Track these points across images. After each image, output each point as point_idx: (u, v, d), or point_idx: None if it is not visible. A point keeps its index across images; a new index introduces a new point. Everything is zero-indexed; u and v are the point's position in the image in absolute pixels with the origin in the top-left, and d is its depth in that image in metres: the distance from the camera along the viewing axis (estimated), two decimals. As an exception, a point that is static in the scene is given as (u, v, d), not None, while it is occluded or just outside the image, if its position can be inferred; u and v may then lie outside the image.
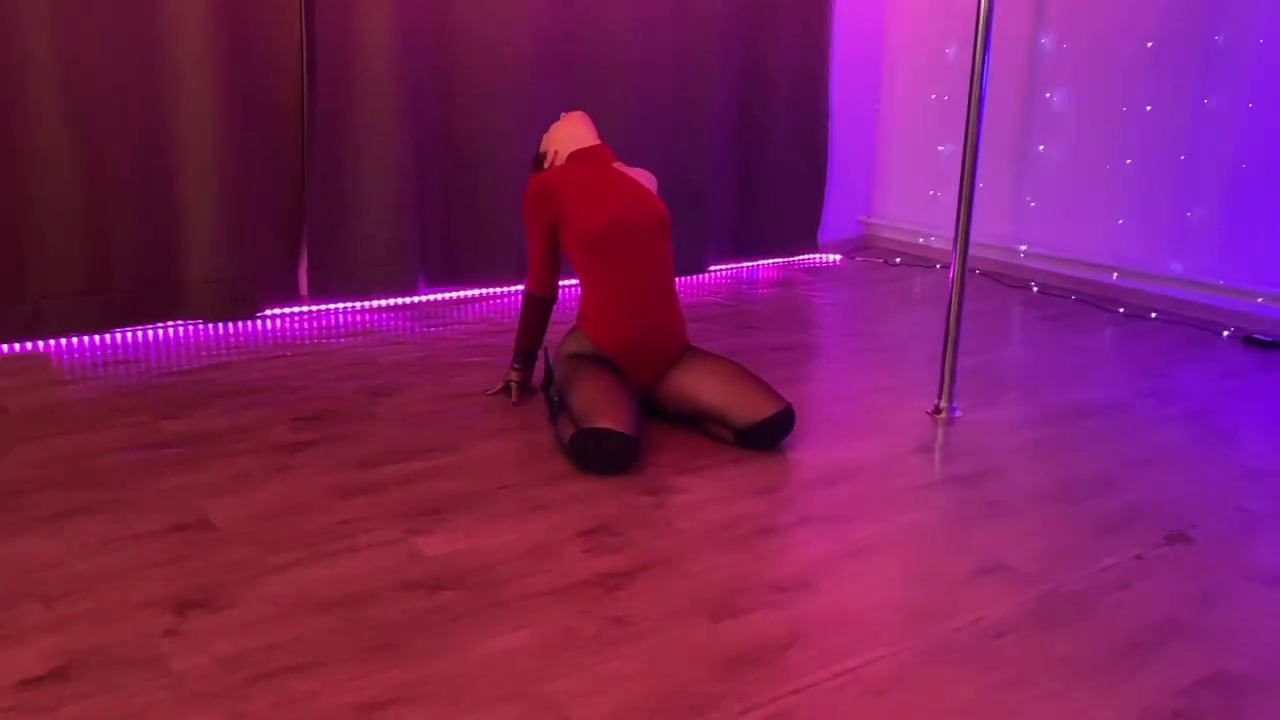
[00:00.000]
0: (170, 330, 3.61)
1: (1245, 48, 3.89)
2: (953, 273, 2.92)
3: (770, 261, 5.08)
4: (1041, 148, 4.65)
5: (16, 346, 3.35)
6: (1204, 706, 1.64)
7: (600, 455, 2.43)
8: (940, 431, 2.84)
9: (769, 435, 2.61)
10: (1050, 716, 1.62)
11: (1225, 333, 3.86)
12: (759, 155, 4.87)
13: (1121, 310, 4.19)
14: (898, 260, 5.14)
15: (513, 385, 2.93)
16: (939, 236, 5.13)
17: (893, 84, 5.31)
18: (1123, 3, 4.24)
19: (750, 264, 5.02)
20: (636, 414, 2.52)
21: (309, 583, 1.95)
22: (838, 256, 5.25)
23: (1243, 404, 3.14)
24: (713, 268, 4.85)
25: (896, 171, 5.39)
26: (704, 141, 4.60)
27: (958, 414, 2.94)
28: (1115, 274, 4.38)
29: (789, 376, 3.25)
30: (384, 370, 3.25)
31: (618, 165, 2.83)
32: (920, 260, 5.14)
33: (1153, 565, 2.10)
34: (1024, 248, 4.73)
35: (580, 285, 2.75)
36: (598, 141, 2.87)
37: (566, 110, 2.98)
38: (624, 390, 2.56)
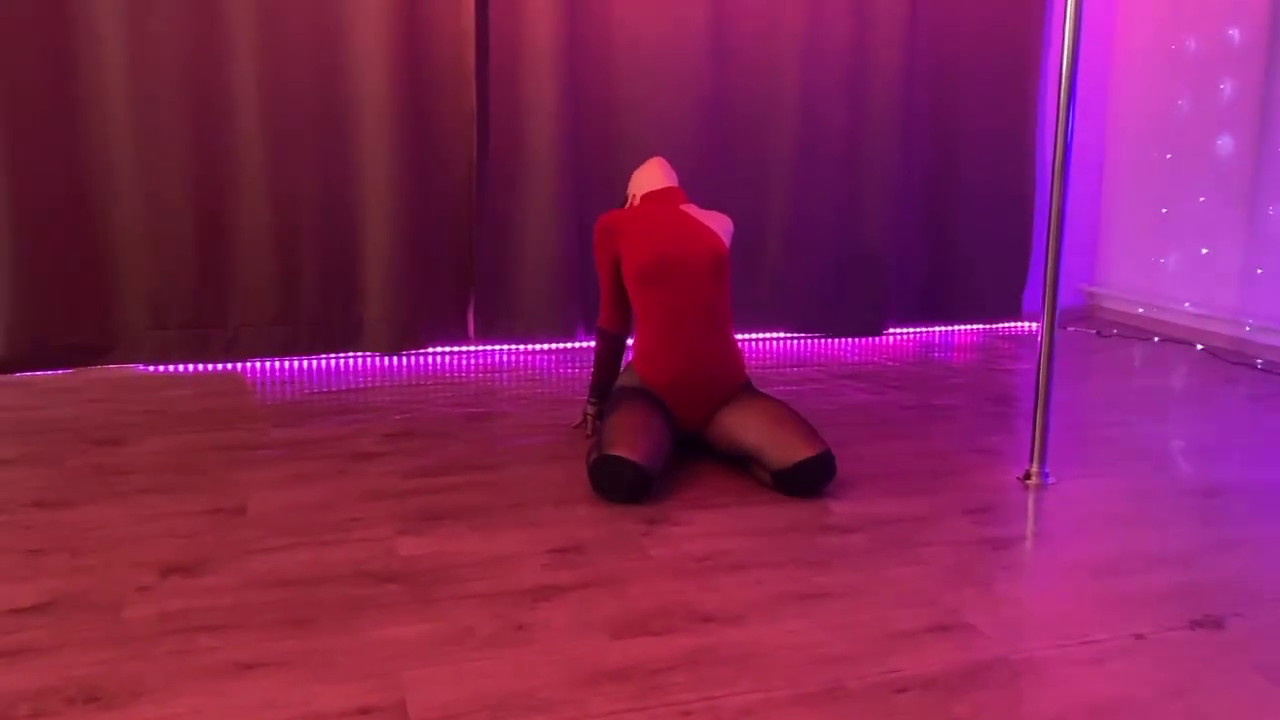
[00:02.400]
0: (344, 360, 4.03)
1: None
2: (1041, 329, 2.68)
3: (967, 328, 4.83)
4: (1271, 210, 4.11)
5: (217, 366, 3.89)
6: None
7: (612, 481, 2.46)
8: (1016, 496, 2.60)
9: (806, 480, 2.52)
10: (893, 774, 1.46)
11: None
12: (950, 217, 4.68)
13: (1356, 394, 3.60)
14: (1114, 332, 4.71)
15: (588, 419, 3.01)
16: (1161, 307, 4.65)
17: (1119, 142, 4.92)
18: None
19: (942, 329, 4.80)
20: (658, 447, 2.53)
21: (285, 564, 2.13)
22: (1047, 326, 4.88)
23: None
24: (893, 330, 4.69)
25: (1122, 237, 4.95)
26: (883, 201, 4.49)
27: (1050, 480, 2.68)
28: (1352, 352, 3.78)
29: (890, 433, 3.13)
30: (497, 401, 3.45)
31: (686, 206, 2.87)
32: (1137, 332, 4.68)
33: (1152, 645, 1.82)
34: (1250, 321, 4.18)
35: (636, 321, 2.81)
36: (669, 184, 2.93)
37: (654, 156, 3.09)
38: (653, 423, 2.58)
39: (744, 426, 2.64)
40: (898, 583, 2.08)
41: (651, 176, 2.94)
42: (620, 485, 2.45)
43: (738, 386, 2.77)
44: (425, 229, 4.01)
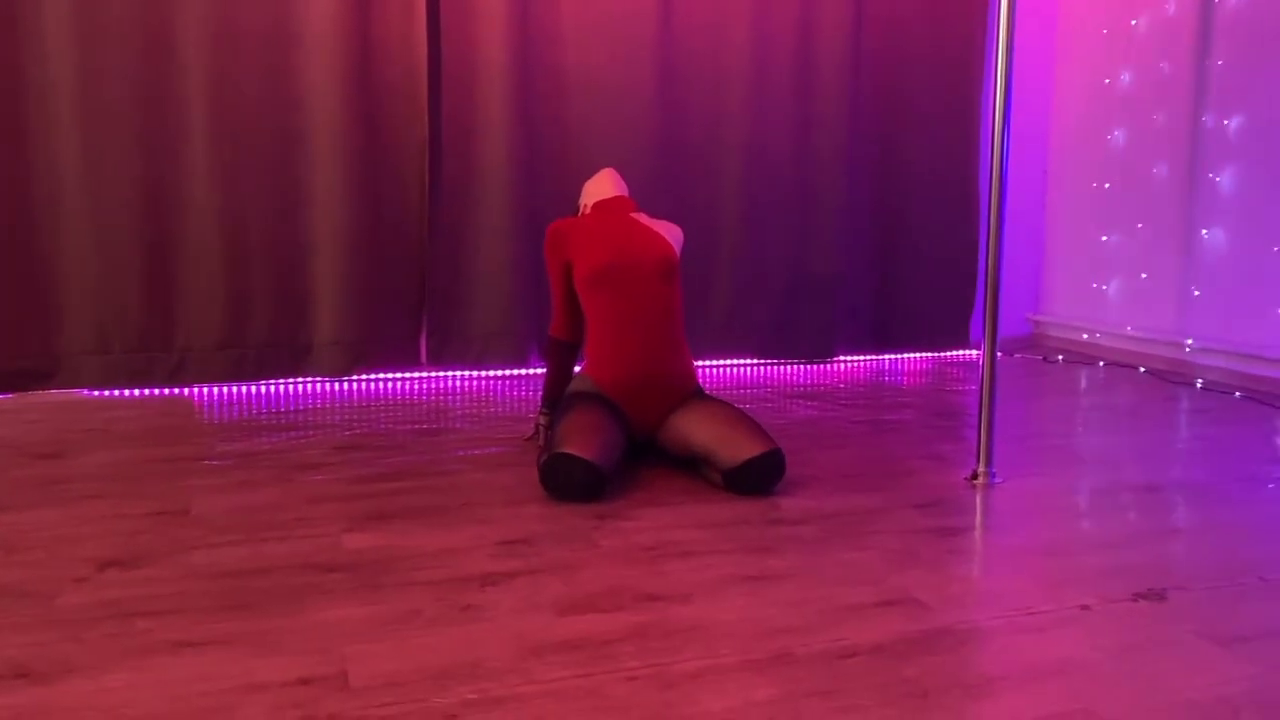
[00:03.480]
0: (293, 385, 3.99)
1: None
2: (983, 347, 2.72)
3: (918, 356, 4.89)
4: (1205, 232, 4.24)
5: (165, 391, 3.83)
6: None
7: (564, 480, 2.45)
8: (964, 493, 2.62)
9: (755, 478, 2.52)
10: (841, 727, 1.46)
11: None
12: (898, 248, 4.76)
13: (1292, 407, 3.68)
14: (1059, 358, 4.79)
15: (541, 429, 3.00)
16: (1104, 332, 4.75)
17: (1059, 176, 5.05)
18: (1284, 70, 3.88)
19: (892, 356, 4.86)
20: (610, 447, 2.52)
21: (226, 558, 2.09)
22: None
23: (1363, 491, 2.68)
24: (845, 357, 4.74)
25: (1064, 265, 5.07)
26: (831, 229, 4.56)
27: (998, 480, 2.71)
28: (1287, 367, 3.88)
29: (840, 443, 3.15)
30: (448, 419, 3.43)
31: (636, 215, 2.91)
32: (1082, 358, 4.77)
33: (1096, 615, 1.84)
34: (1189, 342, 4.28)
35: (588, 327, 2.82)
36: (619, 194, 2.97)
37: (605, 167, 3.12)
38: (605, 423, 2.58)
39: (695, 427, 2.65)
40: (846, 565, 2.08)
41: (602, 186, 2.98)
42: (572, 483, 2.44)
43: (689, 391, 2.78)
44: (376, 252, 4.01)
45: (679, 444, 2.69)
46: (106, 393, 3.77)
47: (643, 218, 2.91)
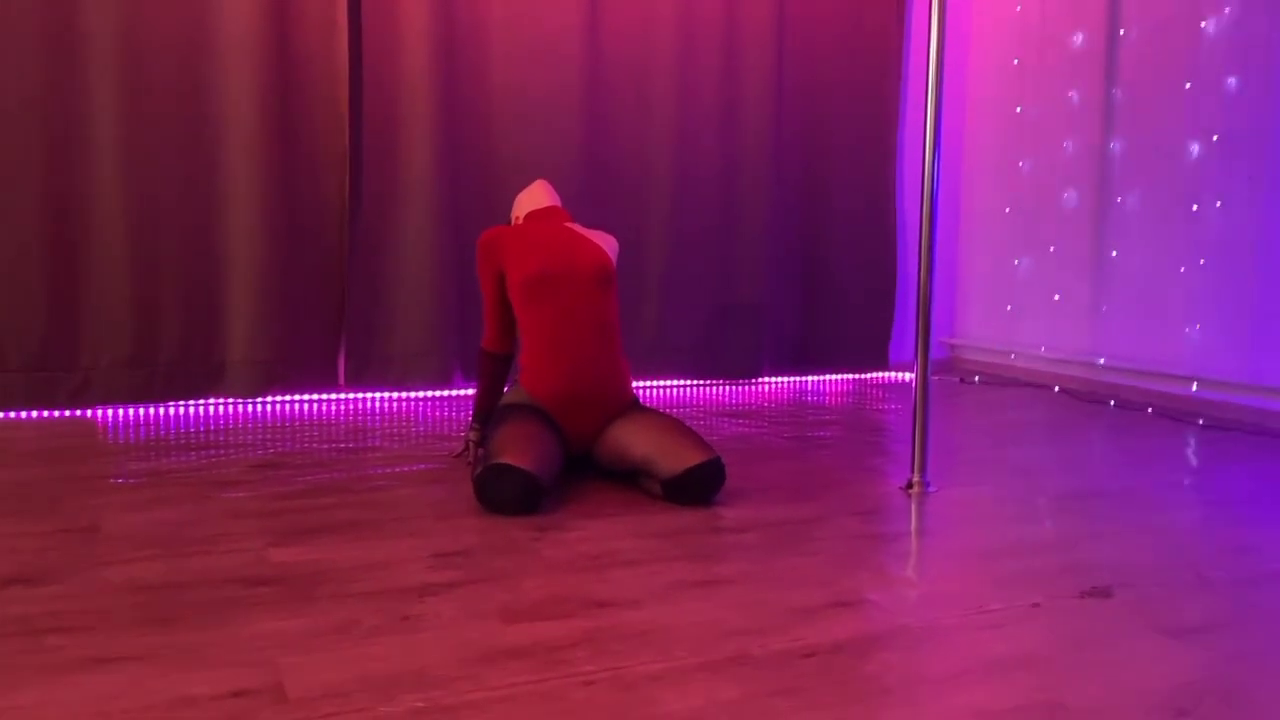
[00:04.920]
0: (204, 406, 3.82)
1: (1314, 132, 3.60)
2: (917, 361, 2.73)
3: (839, 377, 4.93)
4: (1115, 253, 4.37)
5: (67, 412, 3.63)
6: (1000, 729, 1.40)
7: (500, 491, 2.37)
8: (901, 501, 2.62)
9: (696, 487, 2.48)
10: (808, 724, 1.41)
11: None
12: (819, 271, 4.81)
13: (1201, 422, 3.79)
14: (975, 379, 4.88)
15: (471, 445, 2.91)
16: (1019, 353, 4.85)
17: (972, 201, 5.17)
18: (1187, 97, 4.03)
19: (816, 378, 4.89)
20: (548, 458, 2.46)
21: (143, 573, 1.96)
22: (911, 375, 5.03)
23: (1281, 495, 2.76)
24: (769, 378, 4.75)
25: (977, 289, 5.18)
26: (755, 253, 4.58)
27: (932, 489, 2.72)
28: (1195, 384, 4.00)
29: (773, 457, 3.13)
30: (372, 437, 3.31)
31: (571, 225, 2.86)
32: (999, 379, 4.86)
33: (1047, 612, 1.84)
34: (1101, 360, 4.40)
35: (520, 336, 2.76)
36: (552, 203, 2.92)
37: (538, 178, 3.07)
38: (540, 433, 2.51)
39: (633, 438, 2.60)
40: (794, 570, 2.05)
41: (535, 196, 2.93)
42: (510, 495, 2.36)
43: (626, 403, 2.73)
44: (294, 269, 3.87)
45: (616, 456, 2.64)
46: (3, 414, 3.55)
47: (577, 227, 2.86)
